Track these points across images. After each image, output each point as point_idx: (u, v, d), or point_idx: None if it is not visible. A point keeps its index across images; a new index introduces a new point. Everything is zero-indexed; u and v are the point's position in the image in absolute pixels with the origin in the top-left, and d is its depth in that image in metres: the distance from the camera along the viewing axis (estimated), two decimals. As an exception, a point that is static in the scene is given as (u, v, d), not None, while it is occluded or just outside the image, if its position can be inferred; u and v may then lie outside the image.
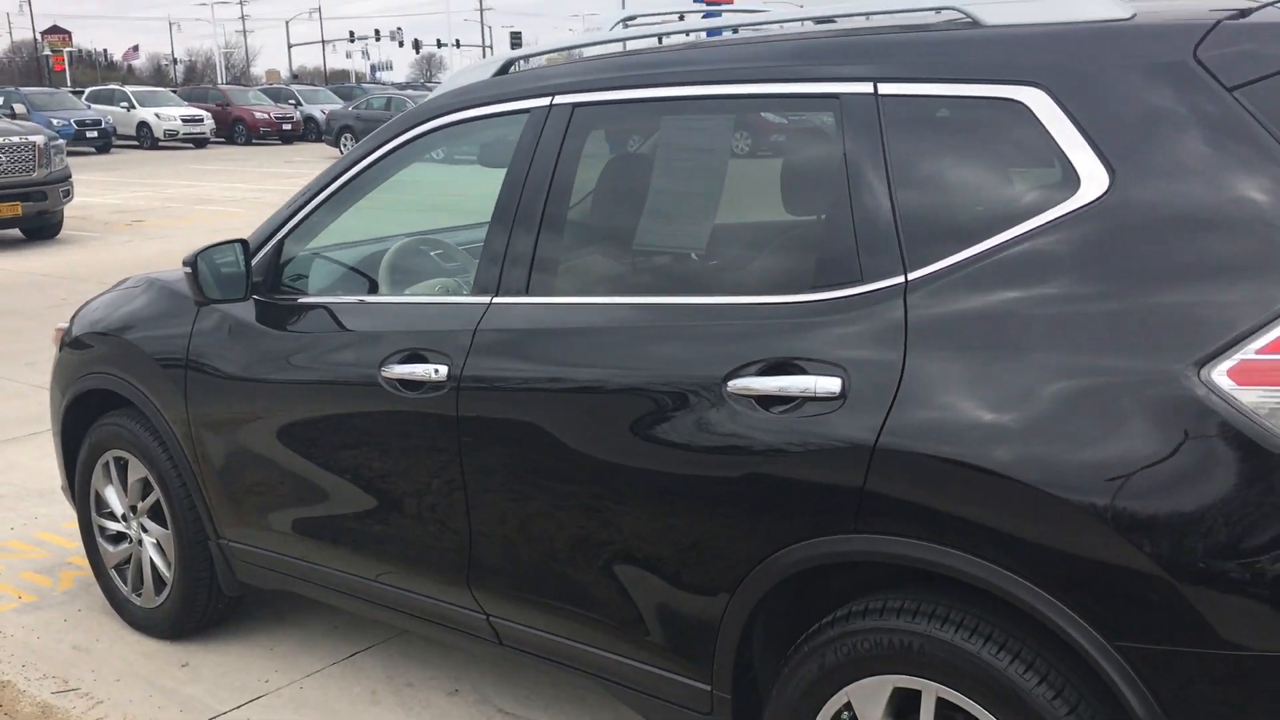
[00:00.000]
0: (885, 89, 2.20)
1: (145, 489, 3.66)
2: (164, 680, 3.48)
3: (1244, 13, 2.02)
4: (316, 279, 3.34)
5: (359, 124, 27.63)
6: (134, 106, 34.44)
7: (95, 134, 31.12)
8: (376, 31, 76.80)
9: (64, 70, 62.49)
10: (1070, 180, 1.98)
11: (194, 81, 79.52)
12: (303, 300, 3.19)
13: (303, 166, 24.96)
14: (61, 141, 13.65)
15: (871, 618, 2.11)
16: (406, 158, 3.07)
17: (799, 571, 2.19)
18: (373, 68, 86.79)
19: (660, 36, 3.20)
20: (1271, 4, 2.07)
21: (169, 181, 22.23)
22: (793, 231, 2.57)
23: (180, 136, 33.75)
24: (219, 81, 71.40)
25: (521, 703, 3.27)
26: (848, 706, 2.17)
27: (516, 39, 67.97)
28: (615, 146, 2.96)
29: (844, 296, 2.16)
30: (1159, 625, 1.80)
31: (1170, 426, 1.79)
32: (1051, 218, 1.98)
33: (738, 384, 2.21)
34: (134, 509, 3.71)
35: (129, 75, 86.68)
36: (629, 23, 3.01)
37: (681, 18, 3.52)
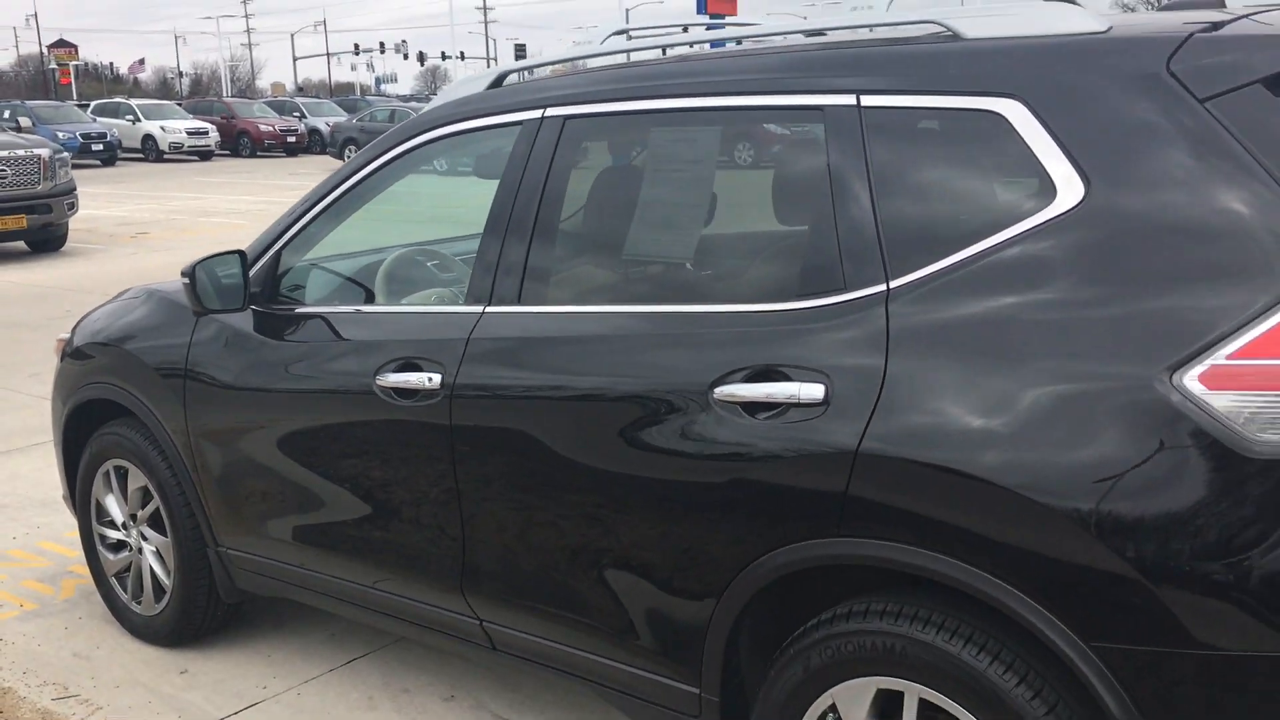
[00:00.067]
0: (868, 100, 2.24)
1: (145, 497, 3.70)
2: (163, 686, 3.52)
3: (1216, 25, 2.06)
4: (314, 289, 3.39)
5: (363, 136, 27.71)
6: (139, 119, 34.61)
7: (100, 147, 31.27)
8: (381, 44, 77.06)
9: (70, 83, 62.87)
10: (1047, 190, 2.02)
11: (199, 94, 79.87)
12: (300, 310, 3.23)
13: (306, 179, 25.02)
14: (66, 154, 13.72)
15: (855, 620, 2.15)
16: (402, 169, 3.12)
17: (785, 575, 2.23)
18: (377, 80, 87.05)
19: (664, 49, 3.24)
20: (1244, 17, 2.11)
21: (174, 194, 22.33)
22: (779, 241, 2.61)
23: (185, 149, 33.92)
24: (224, 94, 71.66)
25: (516, 708, 3.30)
26: (833, 708, 2.20)
27: (521, 51, 68.25)
28: (605, 158, 3.01)
29: (828, 304, 2.20)
30: (1134, 626, 1.83)
31: (1144, 431, 1.83)
32: (1029, 226, 2.01)
33: (724, 391, 2.25)
34: (134, 517, 3.75)
35: (135, 88, 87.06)
36: (632, 35, 3.06)
37: (685, 29, 3.57)
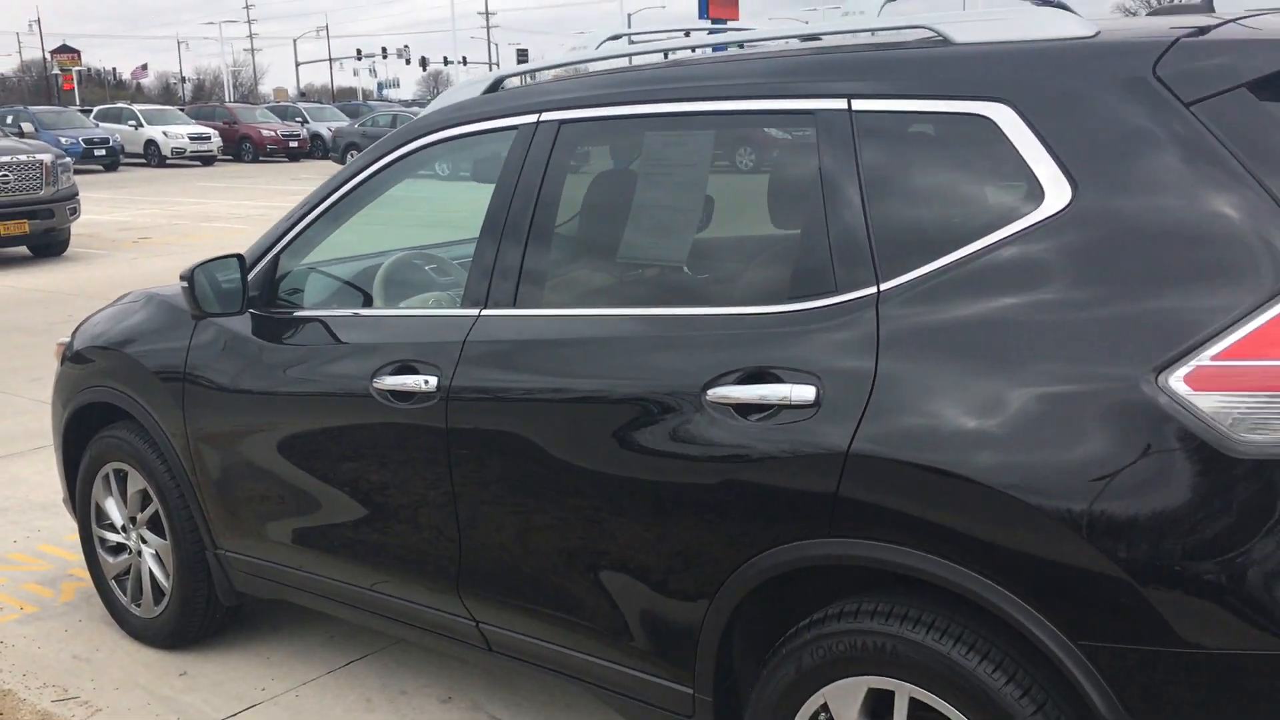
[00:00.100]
0: (859, 105, 2.26)
1: (144, 500, 3.72)
2: (162, 689, 3.53)
3: (1203, 30, 2.08)
4: (312, 293, 3.41)
5: (365, 141, 27.77)
6: (142, 125, 34.68)
7: (103, 152, 31.31)
8: (384, 49, 77.07)
9: (73, 89, 62.95)
10: (1035, 193, 2.03)
11: (202, 100, 79.89)
12: (298, 313, 3.25)
13: (308, 184, 25.02)
14: (69, 160, 13.76)
15: (846, 620, 2.16)
16: (399, 174, 3.14)
17: (777, 576, 2.25)
18: (380, 85, 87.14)
19: (666, 53, 3.26)
20: (1230, 21, 2.12)
21: (176, 199, 22.37)
22: (773, 244, 2.63)
23: (188, 154, 33.96)
24: (226, 99, 71.75)
25: (513, 710, 3.32)
26: (824, 708, 2.22)
27: (523, 56, 68.25)
28: (600, 162, 3.03)
29: (819, 307, 2.21)
30: (1121, 626, 1.85)
31: (1130, 432, 1.84)
32: (1017, 229, 2.03)
33: (716, 393, 2.27)
34: (133, 520, 3.77)
35: (137, 94, 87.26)
36: (633, 39, 3.08)
37: (687, 34, 3.59)
